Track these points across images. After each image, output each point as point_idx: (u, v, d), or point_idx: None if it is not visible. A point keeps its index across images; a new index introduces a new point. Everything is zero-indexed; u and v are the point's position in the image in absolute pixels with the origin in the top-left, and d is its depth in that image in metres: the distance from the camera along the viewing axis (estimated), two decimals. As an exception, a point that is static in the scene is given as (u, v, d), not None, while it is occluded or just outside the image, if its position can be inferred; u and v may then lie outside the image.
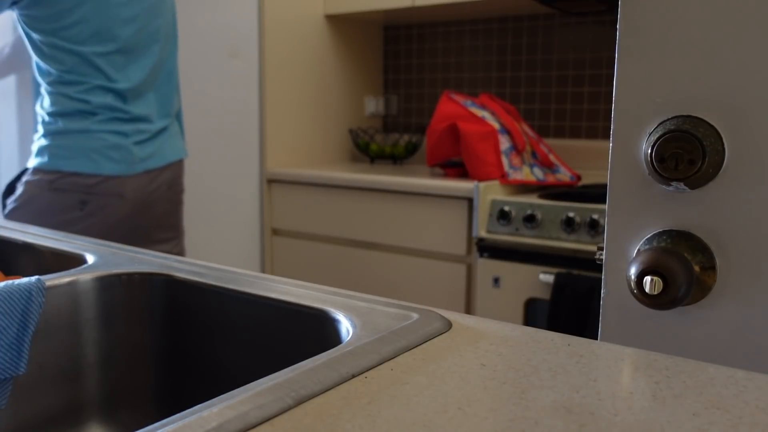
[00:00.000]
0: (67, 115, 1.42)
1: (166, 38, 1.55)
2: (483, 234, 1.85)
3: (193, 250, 2.09)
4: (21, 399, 0.58)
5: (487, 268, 1.84)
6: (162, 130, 1.55)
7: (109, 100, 1.43)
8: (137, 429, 0.65)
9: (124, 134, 1.45)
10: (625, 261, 0.61)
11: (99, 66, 1.42)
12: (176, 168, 1.59)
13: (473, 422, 0.35)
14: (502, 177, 1.93)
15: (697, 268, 0.57)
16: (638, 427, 0.34)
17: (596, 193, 1.78)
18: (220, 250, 2.24)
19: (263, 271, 2.40)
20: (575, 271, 1.67)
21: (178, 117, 1.66)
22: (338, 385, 0.39)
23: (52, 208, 1.41)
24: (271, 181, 2.34)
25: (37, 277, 0.57)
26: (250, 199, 2.33)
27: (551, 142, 2.43)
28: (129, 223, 1.49)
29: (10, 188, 1.50)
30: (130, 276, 0.65)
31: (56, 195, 1.41)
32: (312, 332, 0.54)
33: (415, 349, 0.45)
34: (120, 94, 1.45)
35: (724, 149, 0.56)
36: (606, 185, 0.62)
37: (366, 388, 0.39)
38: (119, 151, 1.44)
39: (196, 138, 2.12)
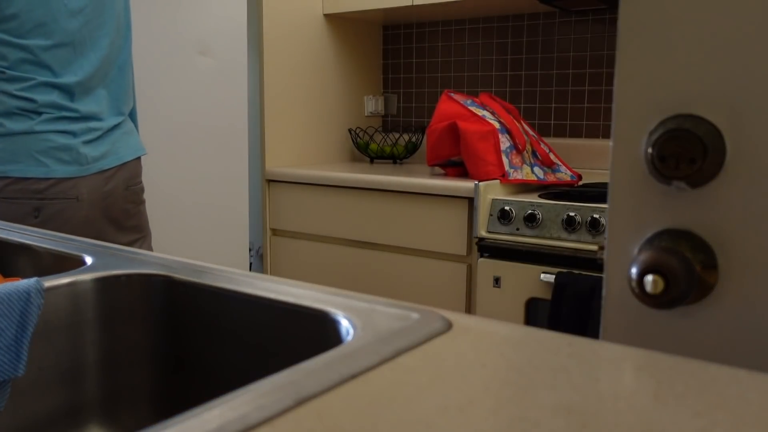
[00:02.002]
0: (9, 116, 1.33)
1: (117, 32, 1.47)
2: (483, 234, 1.85)
3: (192, 251, 2.09)
4: (20, 401, 0.58)
5: (487, 267, 1.84)
6: (114, 128, 1.46)
7: (54, 97, 1.35)
8: (137, 430, 0.65)
9: (72, 134, 1.37)
10: (627, 260, 0.61)
11: (43, 61, 1.34)
12: (133, 167, 1.51)
13: (474, 423, 0.34)
14: (503, 176, 1.93)
15: (698, 267, 0.57)
16: (640, 427, 0.34)
17: (597, 193, 1.78)
18: (219, 250, 2.24)
19: (263, 271, 2.40)
20: (576, 271, 1.67)
21: (132, 115, 1.57)
22: (338, 385, 0.39)
23: (5, 219, 1.31)
24: (270, 181, 2.34)
25: (36, 278, 0.57)
26: (250, 199, 2.33)
27: (552, 141, 2.43)
28: (89, 227, 1.41)
29: None
30: (129, 277, 0.65)
31: (7, 205, 1.32)
32: (312, 333, 0.54)
33: (415, 350, 0.45)
34: (67, 91, 1.37)
35: (725, 148, 0.56)
36: (607, 184, 0.62)
37: (366, 389, 0.39)
38: (68, 152, 1.35)
39: (195, 138, 2.12)
